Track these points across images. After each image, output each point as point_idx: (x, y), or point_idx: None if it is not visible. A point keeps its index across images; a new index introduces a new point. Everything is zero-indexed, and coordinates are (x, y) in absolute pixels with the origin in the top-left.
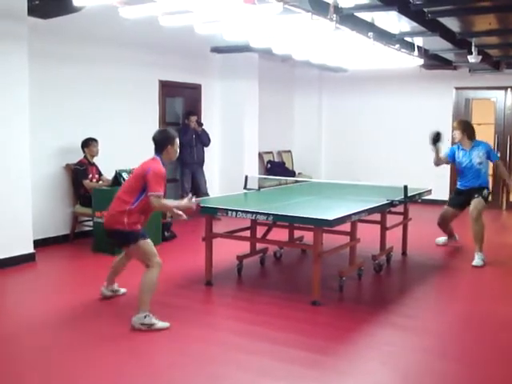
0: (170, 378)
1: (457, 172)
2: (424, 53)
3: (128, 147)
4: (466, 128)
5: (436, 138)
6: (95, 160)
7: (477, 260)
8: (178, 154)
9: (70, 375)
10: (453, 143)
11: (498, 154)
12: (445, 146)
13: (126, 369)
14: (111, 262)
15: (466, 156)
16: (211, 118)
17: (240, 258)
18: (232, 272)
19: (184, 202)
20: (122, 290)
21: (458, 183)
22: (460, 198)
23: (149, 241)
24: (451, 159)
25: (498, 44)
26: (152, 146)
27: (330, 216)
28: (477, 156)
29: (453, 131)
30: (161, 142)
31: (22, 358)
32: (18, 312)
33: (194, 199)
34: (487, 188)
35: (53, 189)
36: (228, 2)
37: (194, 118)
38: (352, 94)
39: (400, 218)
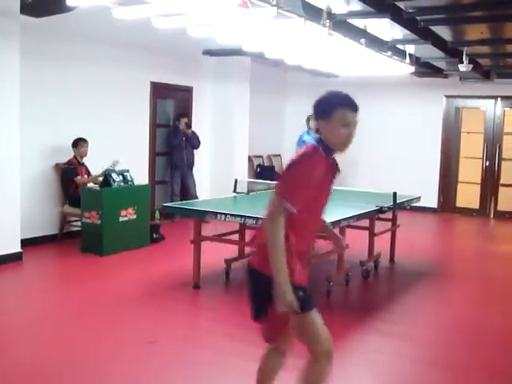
0: (155, 380)
1: None
2: (415, 60)
3: (118, 147)
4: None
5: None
6: (84, 160)
7: None
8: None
9: (54, 375)
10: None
11: None
12: None
13: (112, 369)
14: (258, 369)
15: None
16: (202, 121)
17: (228, 262)
18: (220, 275)
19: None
20: None
21: None
22: None
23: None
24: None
25: (489, 53)
26: (142, 147)
27: None
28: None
29: (312, 120)
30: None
31: (5, 357)
32: (1, 312)
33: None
34: None
35: (41, 188)
36: (222, 5)
37: (184, 120)
38: None
39: (388, 225)
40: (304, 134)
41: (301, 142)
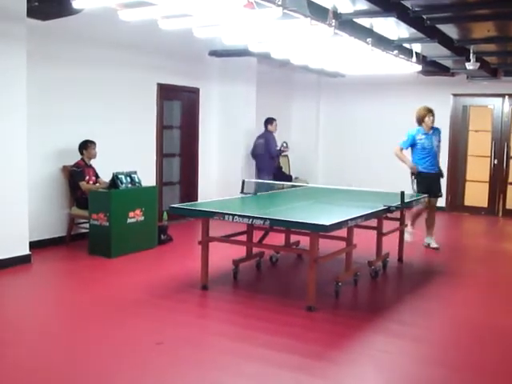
0: (160, 380)
1: (416, 154)
2: (422, 59)
3: (125, 149)
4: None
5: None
6: (92, 162)
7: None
8: None
9: (64, 376)
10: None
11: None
12: None
13: (120, 370)
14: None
15: (428, 139)
16: (209, 122)
17: (236, 263)
18: (228, 276)
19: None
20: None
21: (421, 167)
22: (430, 184)
23: None
24: (409, 145)
25: (496, 51)
26: (149, 148)
27: (327, 221)
28: (436, 140)
29: (429, 116)
30: None
31: (13, 358)
32: (10, 314)
33: None
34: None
35: (49, 190)
36: (227, 6)
37: (275, 123)
38: (350, 99)
39: (396, 224)
40: (418, 131)
41: (412, 142)
